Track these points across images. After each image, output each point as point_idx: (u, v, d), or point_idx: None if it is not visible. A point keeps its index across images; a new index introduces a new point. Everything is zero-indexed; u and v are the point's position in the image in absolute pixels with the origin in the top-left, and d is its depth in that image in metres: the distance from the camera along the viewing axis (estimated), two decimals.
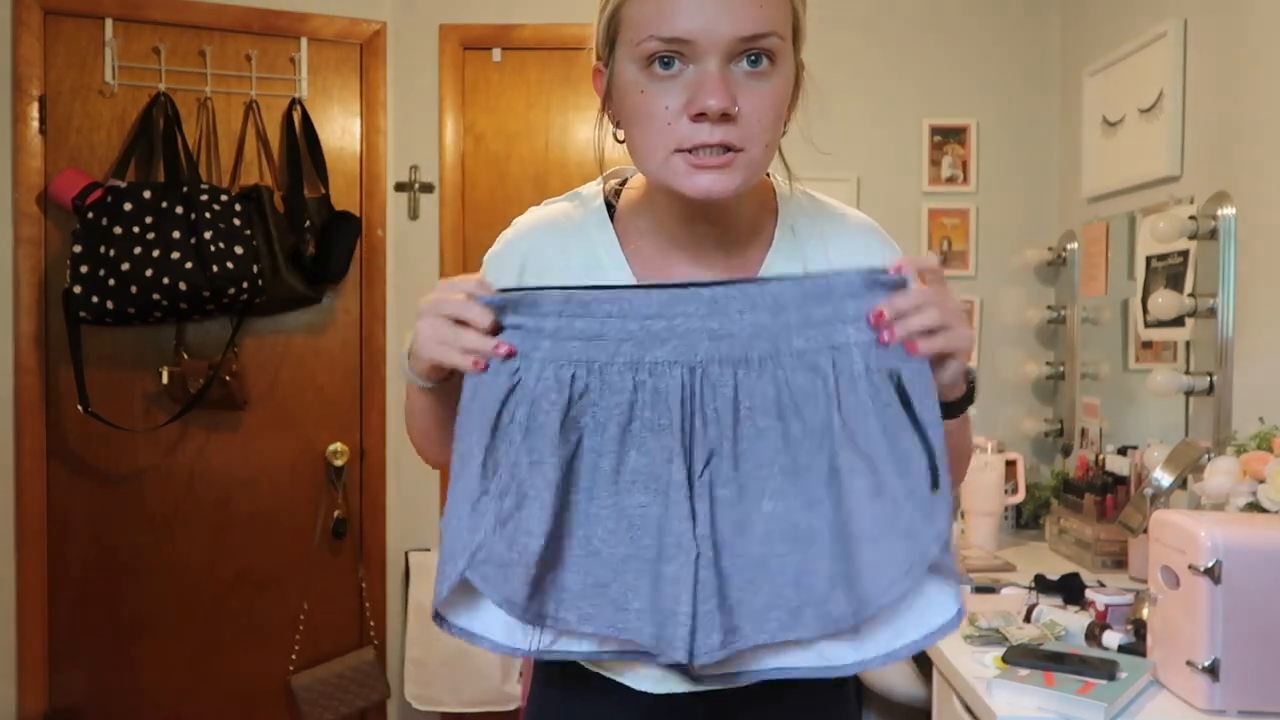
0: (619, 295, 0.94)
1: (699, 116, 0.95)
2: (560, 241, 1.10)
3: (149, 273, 2.49)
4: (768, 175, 1.13)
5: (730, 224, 1.08)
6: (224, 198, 2.61)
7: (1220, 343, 2.07)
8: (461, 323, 0.94)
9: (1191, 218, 2.10)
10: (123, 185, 2.56)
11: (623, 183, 1.14)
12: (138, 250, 2.50)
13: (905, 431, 0.90)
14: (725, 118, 0.95)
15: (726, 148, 0.96)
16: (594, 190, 1.14)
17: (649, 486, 0.93)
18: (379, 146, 2.93)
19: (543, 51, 2.97)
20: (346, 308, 2.92)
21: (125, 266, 2.49)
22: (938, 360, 0.92)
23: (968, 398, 1.01)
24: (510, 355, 0.94)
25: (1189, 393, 2.15)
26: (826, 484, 0.92)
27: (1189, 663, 1.45)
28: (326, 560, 2.91)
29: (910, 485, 0.90)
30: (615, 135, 1.06)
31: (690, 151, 0.96)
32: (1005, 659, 1.58)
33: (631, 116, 0.99)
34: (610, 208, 1.12)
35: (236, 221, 2.59)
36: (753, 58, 0.96)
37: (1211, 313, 2.08)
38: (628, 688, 1.10)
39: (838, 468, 0.92)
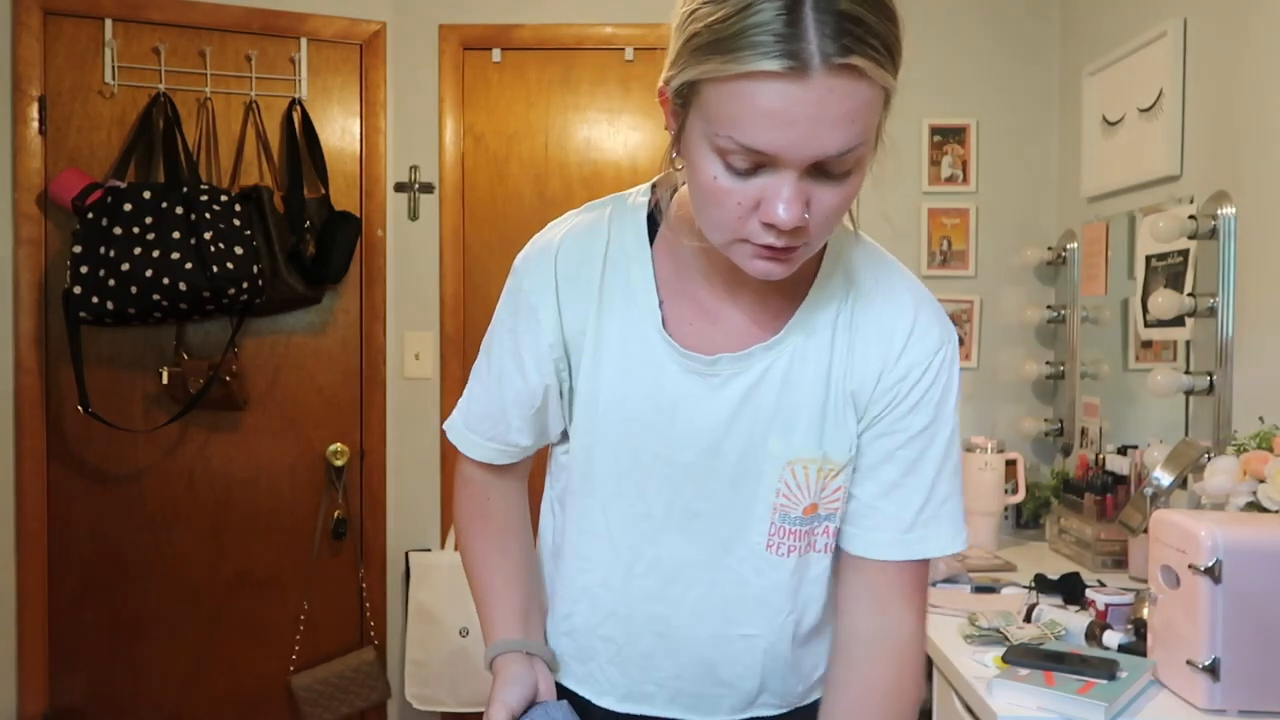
0: None
1: (769, 225, 0.89)
2: (593, 266, 1.06)
3: (149, 273, 2.49)
4: None
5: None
6: (224, 198, 2.61)
7: (1220, 342, 2.07)
8: None
9: (1191, 217, 2.10)
10: (123, 186, 2.56)
11: (672, 191, 1.07)
12: (138, 250, 2.50)
13: None
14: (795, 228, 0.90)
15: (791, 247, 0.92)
16: (639, 204, 1.08)
17: None
18: (379, 147, 2.93)
19: (542, 52, 2.97)
20: (346, 308, 2.92)
21: (125, 267, 2.49)
22: None
23: None
24: None
25: (1189, 392, 2.15)
26: None
27: (1189, 662, 1.45)
28: (326, 560, 2.91)
29: None
30: (674, 164, 0.98)
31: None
32: (1005, 659, 1.58)
33: (698, 188, 0.92)
34: (653, 222, 1.07)
35: (236, 222, 2.59)
36: (834, 166, 0.88)
37: (1211, 312, 2.08)
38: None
39: None
